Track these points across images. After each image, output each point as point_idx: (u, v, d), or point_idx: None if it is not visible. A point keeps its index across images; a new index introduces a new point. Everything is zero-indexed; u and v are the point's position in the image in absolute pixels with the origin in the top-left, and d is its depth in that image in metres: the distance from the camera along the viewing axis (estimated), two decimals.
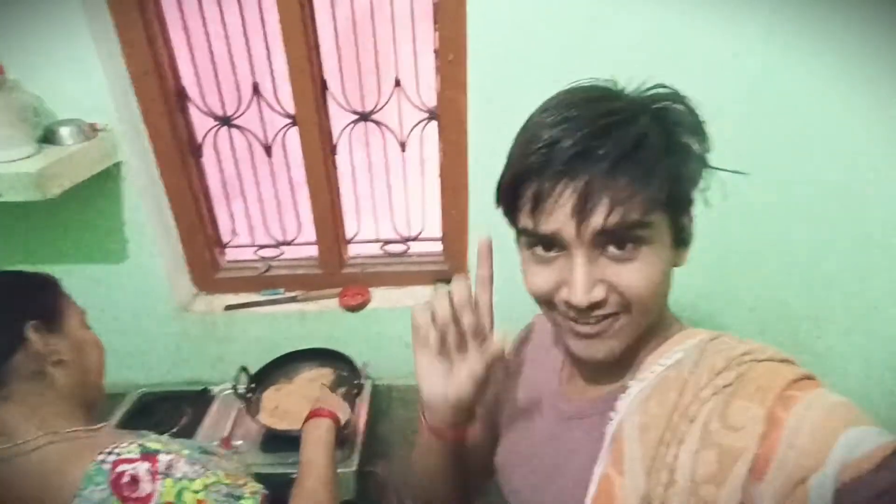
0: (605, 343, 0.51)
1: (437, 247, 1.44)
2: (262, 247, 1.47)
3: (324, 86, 1.25)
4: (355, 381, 1.22)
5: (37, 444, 0.68)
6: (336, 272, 1.43)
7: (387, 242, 1.46)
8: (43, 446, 0.68)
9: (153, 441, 0.71)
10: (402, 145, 1.34)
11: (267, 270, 1.44)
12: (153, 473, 0.66)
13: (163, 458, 0.68)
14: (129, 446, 0.68)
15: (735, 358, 0.46)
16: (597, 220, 0.46)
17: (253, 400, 1.21)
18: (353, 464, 1.12)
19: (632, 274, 0.48)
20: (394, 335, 1.40)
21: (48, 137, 1.07)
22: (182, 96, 1.27)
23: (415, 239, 1.46)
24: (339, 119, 1.31)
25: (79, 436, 0.71)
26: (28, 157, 0.99)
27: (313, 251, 1.44)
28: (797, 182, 1.10)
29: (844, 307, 1.15)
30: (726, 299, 1.27)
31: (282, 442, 1.16)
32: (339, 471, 1.09)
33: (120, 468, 0.65)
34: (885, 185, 1.02)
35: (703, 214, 0.54)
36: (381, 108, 1.29)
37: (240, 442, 1.20)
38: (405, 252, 1.46)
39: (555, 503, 0.56)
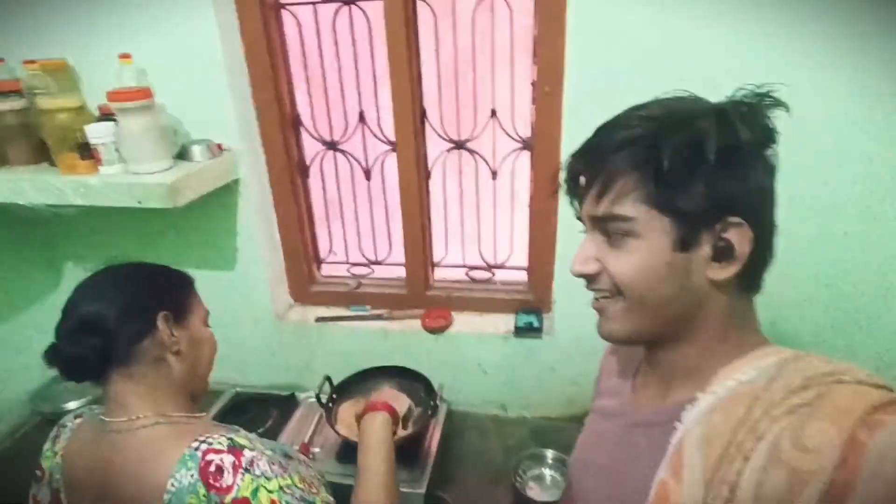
0: (607, 322, 0.56)
1: (523, 276, 1.44)
2: (354, 264, 1.55)
3: (423, 115, 1.32)
4: (431, 403, 1.23)
5: (147, 423, 0.74)
6: (421, 294, 1.46)
7: (472, 268, 1.48)
8: (151, 425, 0.74)
9: (242, 437, 0.75)
10: (494, 174, 1.36)
11: (357, 287, 1.51)
12: (236, 467, 0.70)
13: (247, 455, 0.71)
14: (220, 438, 0.72)
15: (816, 377, 0.44)
16: (587, 205, 0.54)
17: (333, 409, 1.26)
18: (423, 486, 1.12)
19: (618, 260, 0.53)
20: (473, 361, 1.40)
21: (182, 154, 1.22)
22: (296, 123, 1.39)
23: (500, 267, 1.46)
24: (435, 146, 1.36)
25: (181, 421, 0.77)
26: (165, 170, 1.13)
27: (401, 272, 1.49)
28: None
29: None
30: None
31: (357, 453, 1.19)
32: (407, 491, 1.11)
33: (209, 457, 0.69)
34: None
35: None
36: (475, 137, 1.33)
37: (317, 449, 1.25)
38: (490, 279, 1.47)
39: None
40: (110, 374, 0.76)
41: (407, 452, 1.18)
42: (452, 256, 1.48)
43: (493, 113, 1.30)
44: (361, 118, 1.37)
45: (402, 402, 1.08)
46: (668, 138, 0.49)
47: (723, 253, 0.51)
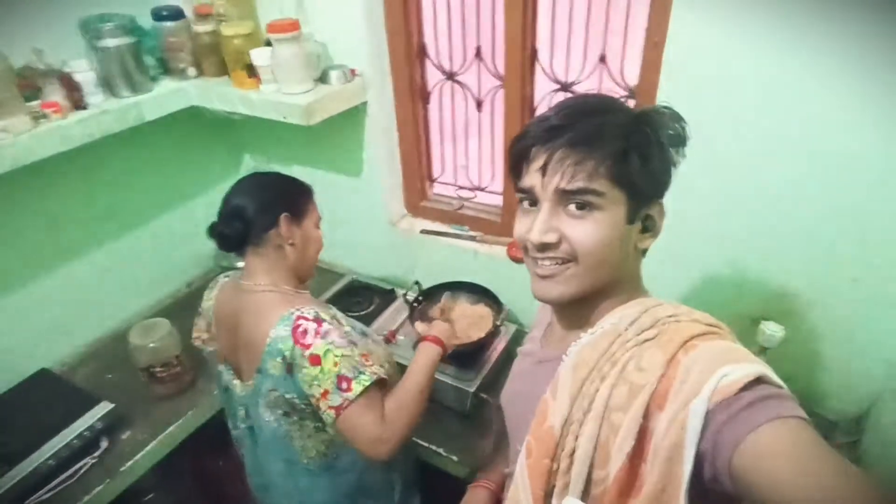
0: (556, 286, 0.64)
1: None
2: (461, 187, 1.71)
3: (534, 54, 1.36)
4: (496, 322, 1.41)
5: (265, 289, 1.04)
6: (512, 224, 1.58)
7: None
8: (268, 291, 1.04)
9: (325, 312, 1.01)
10: None
11: (460, 208, 1.69)
12: (316, 332, 0.95)
13: (325, 326, 0.97)
14: (309, 310, 0.98)
15: (662, 318, 0.59)
16: (556, 178, 0.60)
17: (417, 309, 1.50)
18: (473, 385, 1.33)
19: (581, 230, 0.61)
20: None
21: (323, 78, 1.45)
22: (422, 52, 1.52)
23: None
24: (543, 86, 1.41)
25: (287, 292, 1.05)
26: (305, 92, 1.37)
27: (499, 200, 1.61)
28: None
29: None
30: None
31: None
32: (459, 387, 1.33)
33: (299, 322, 0.96)
34: None
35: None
36: (581, 81, 1.34)
37: (402, 337, 1.51)
38: None
39: (526, 427, 0.70)
40: (247, 250, 1.05)
41: (469, 356, 1.39)
42: None
43: (602, 59, 1.29)
44: (478, 53, 1.45)
45: (451, 338, 1.22)
46: (641, 129, 0.62)
47: (647, 227, 0.66)
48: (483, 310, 1.50)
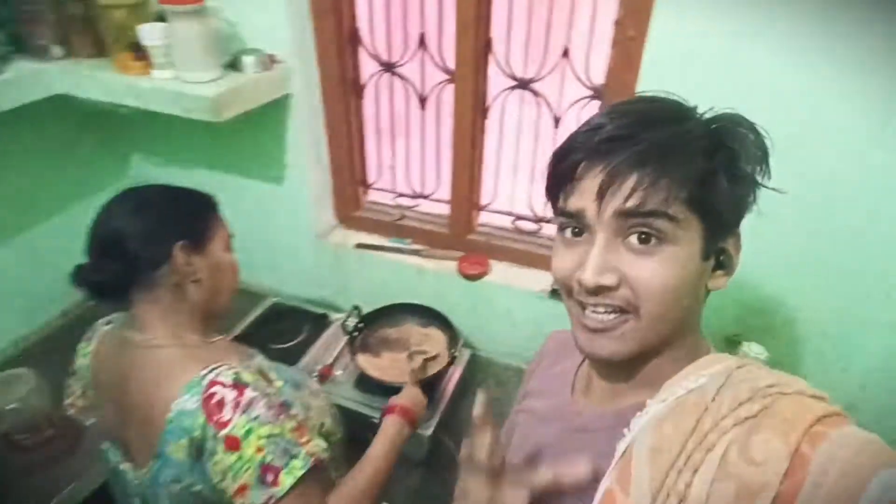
0: (610, 342, 0.51)
1: None
2: (401, 195, 1.51)
3: (487, 45, 1.19)
4: (452, 351, 1.23)
5: (162, 344, 0.78)
6: (462, 236, 1.41)
7: (519, 218, 1.40)
8: (166, 346, 0.77)
9: (249, 372, 0.75)
10: (557, 120, 1.24)
11: (400, 219, 1.49)
12: (236, 405, 0.71)
13: (248, 394, 0.72)
14: (227, 371, 0.73)
15: (760, 389, 0.44)
16: (617, 200, 0.47)
17: (357, 339, 1.29)
18: (430, 428, 1.15)
19: (647, 269, 0.48)
20: (503, 312, 1.37)
21: (234, 63, 1.18)
22: (354, 38, 1.30)
23: (549, 221, 1.37)
24: (497, 83, 1.25)
25: (194, 345, 0.80)
26: (211, 81, 1.10)
27: (446, 209, 1.44)
28: None
29: None
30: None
31: (374, 386, 1.22)
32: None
33: (213, 389, 0.71)
34: None
35: None
36: (541, 78, 1.20)
37: (339, 372, 1.29)
38: (536, 232, 1.39)
39: None
40: (133, 295, 0.78)
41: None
42: (501, 202, 1.41)
43: (566, 53, 1.15)
44: (422, 42, 1.26)
45: (421, 407, 1.03)
46: (724, 144, 0.49)
47: (723, 263, 0.53)
48: (435, 336, 1.32)
